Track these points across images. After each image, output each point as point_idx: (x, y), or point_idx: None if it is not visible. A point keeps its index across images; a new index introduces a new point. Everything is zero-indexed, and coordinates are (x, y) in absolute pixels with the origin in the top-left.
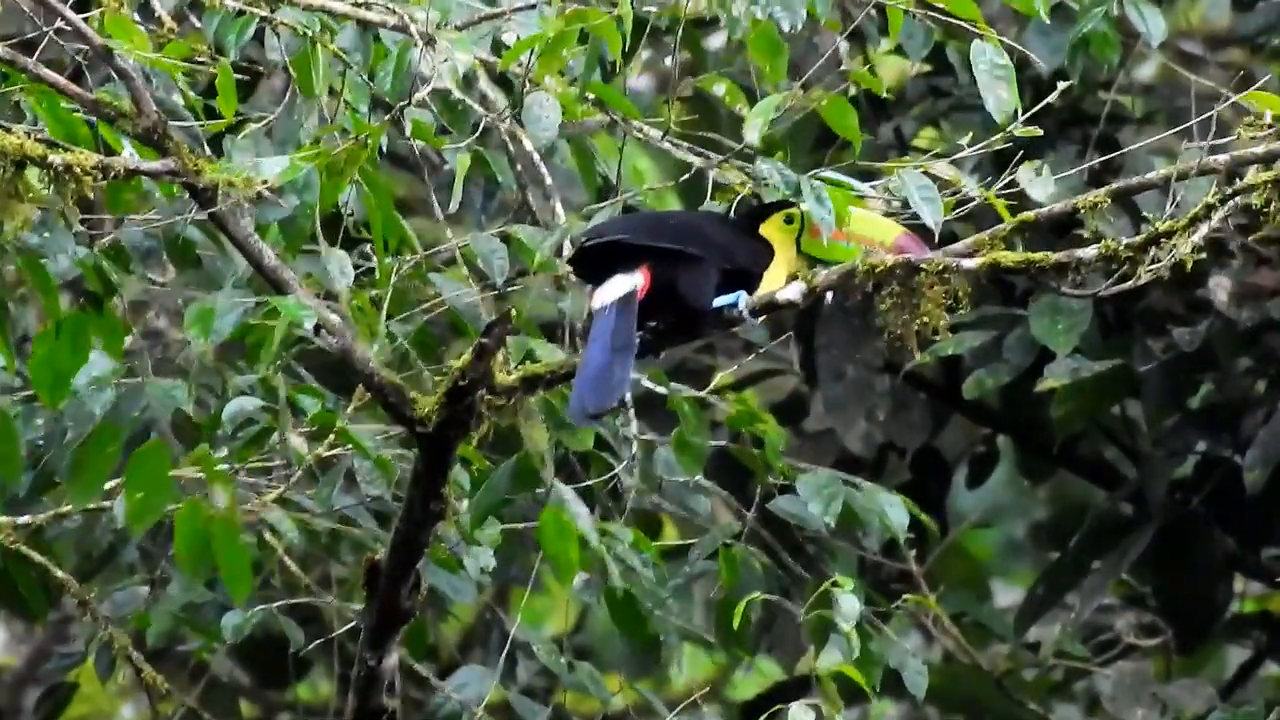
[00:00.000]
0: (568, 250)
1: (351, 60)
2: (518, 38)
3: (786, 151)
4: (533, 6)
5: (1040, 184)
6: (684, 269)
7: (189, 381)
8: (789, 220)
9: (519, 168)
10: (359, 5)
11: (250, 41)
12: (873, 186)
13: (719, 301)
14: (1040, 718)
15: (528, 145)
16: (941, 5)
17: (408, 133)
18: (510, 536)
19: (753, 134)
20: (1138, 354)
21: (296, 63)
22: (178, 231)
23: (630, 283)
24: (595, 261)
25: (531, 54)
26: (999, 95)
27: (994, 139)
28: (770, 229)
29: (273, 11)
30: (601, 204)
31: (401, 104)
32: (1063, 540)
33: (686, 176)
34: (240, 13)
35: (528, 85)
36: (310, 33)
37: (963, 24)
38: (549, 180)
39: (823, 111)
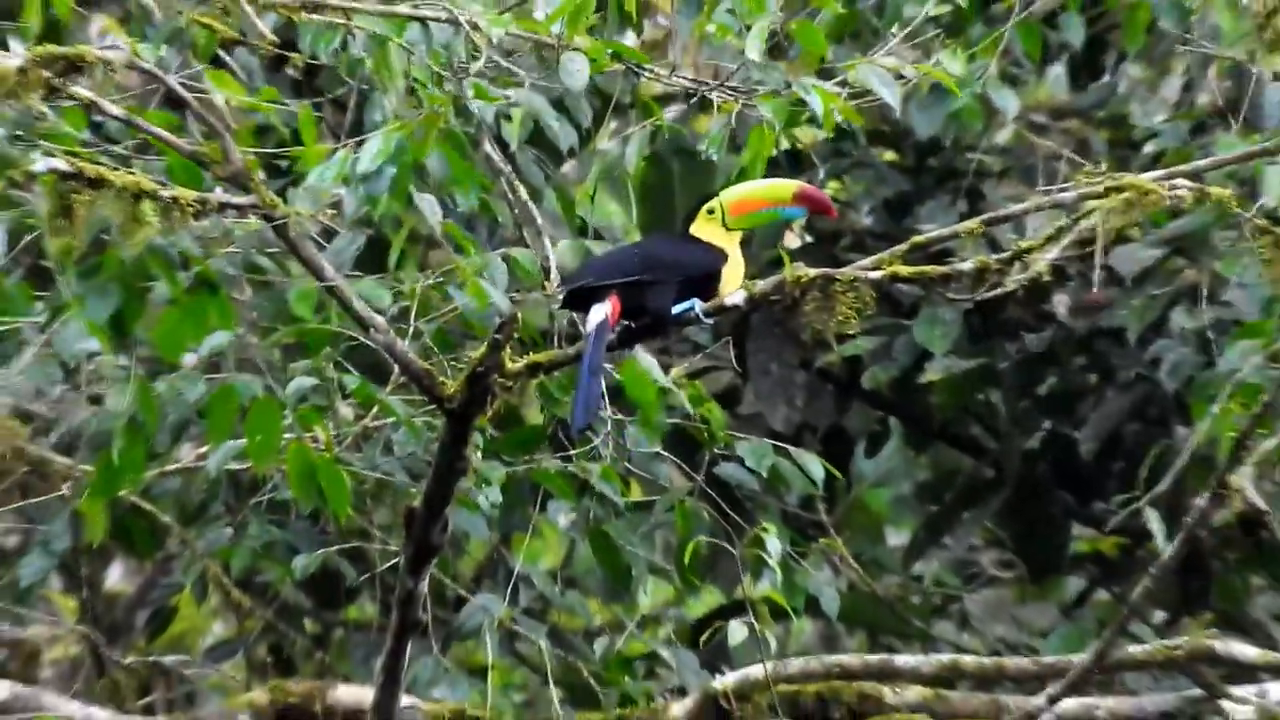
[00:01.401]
0: (555, 284)
1: (416, 50)
2: (545, 14)
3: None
4: None
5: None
6: (645, 291)
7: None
8: (710, 212)
9: (516, 211)
10: (416, 6)
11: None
12: (836, 82)
13: (678, 309)
14: (924, 633)
15: (523, 194)
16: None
17: (469, 99)
18: (514, 495)
19: (754, 51)
20: (998, 354)
21: (375, 60)
22: (252, 258)
23: (603, 312)
24: (577, 299)
25: (563, 21)
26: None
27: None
28: (701, 228)
29: (349, 20)
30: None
31: (464, 71)
32: (940, 496)
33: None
34: (329, 24)
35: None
36: (381, 34)
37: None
38: (539, 220)
39: (794, 32)
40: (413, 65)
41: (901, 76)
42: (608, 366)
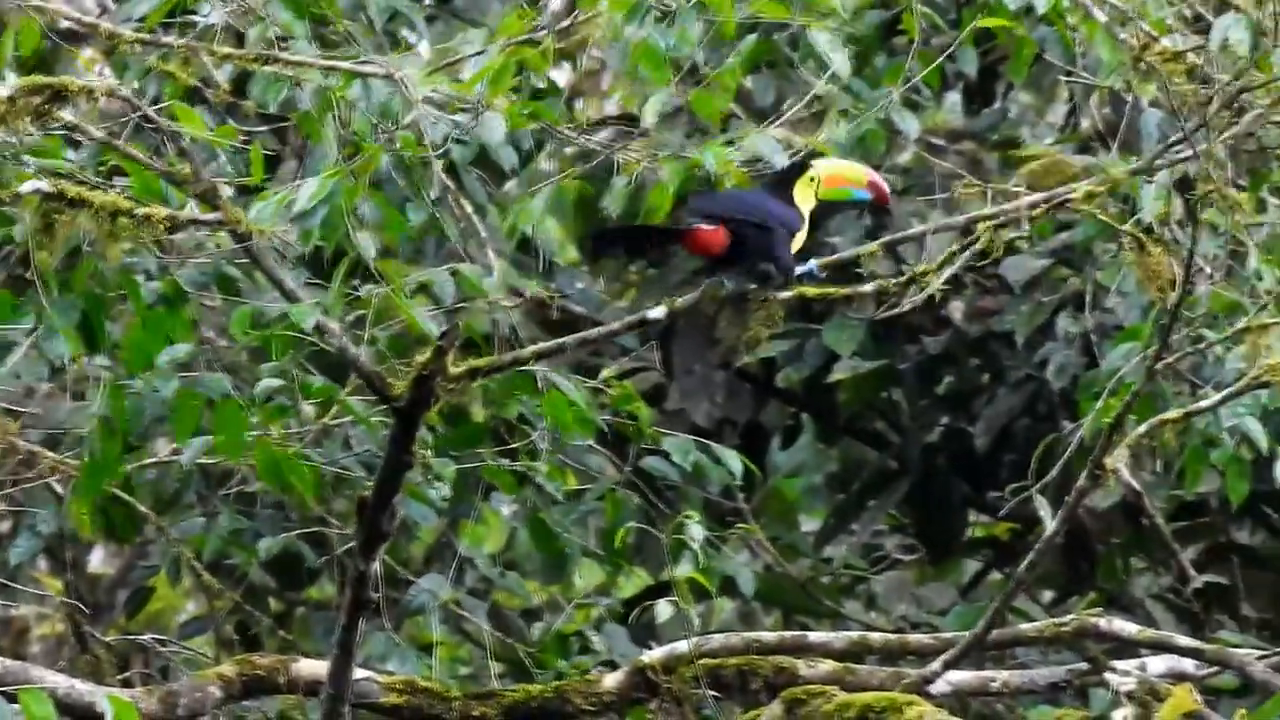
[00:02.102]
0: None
1: (357, 104)
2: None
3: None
4: (481, 53)
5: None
6: (765, 237)
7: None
8: (811, 180)
9: (462, 225)
10: (360, 63)
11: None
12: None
13: (801, 268)
14: (834, 611)
15: (469, 209)
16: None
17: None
18: (461, 484)
19: (650, 117)
20: (899, 356)
21: (318, 110)
22: (221, 269)
23: None
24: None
25: (484, 83)
26: (839, 60)
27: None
28: (800, 191)
29: (298, 72)
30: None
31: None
32: (847, 486)
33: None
34: (277, 77)
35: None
36: (324, 86)
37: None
38: (484, 234)
39: (692, 102)
40: (352, 117)
41: (790, 146)
42: None
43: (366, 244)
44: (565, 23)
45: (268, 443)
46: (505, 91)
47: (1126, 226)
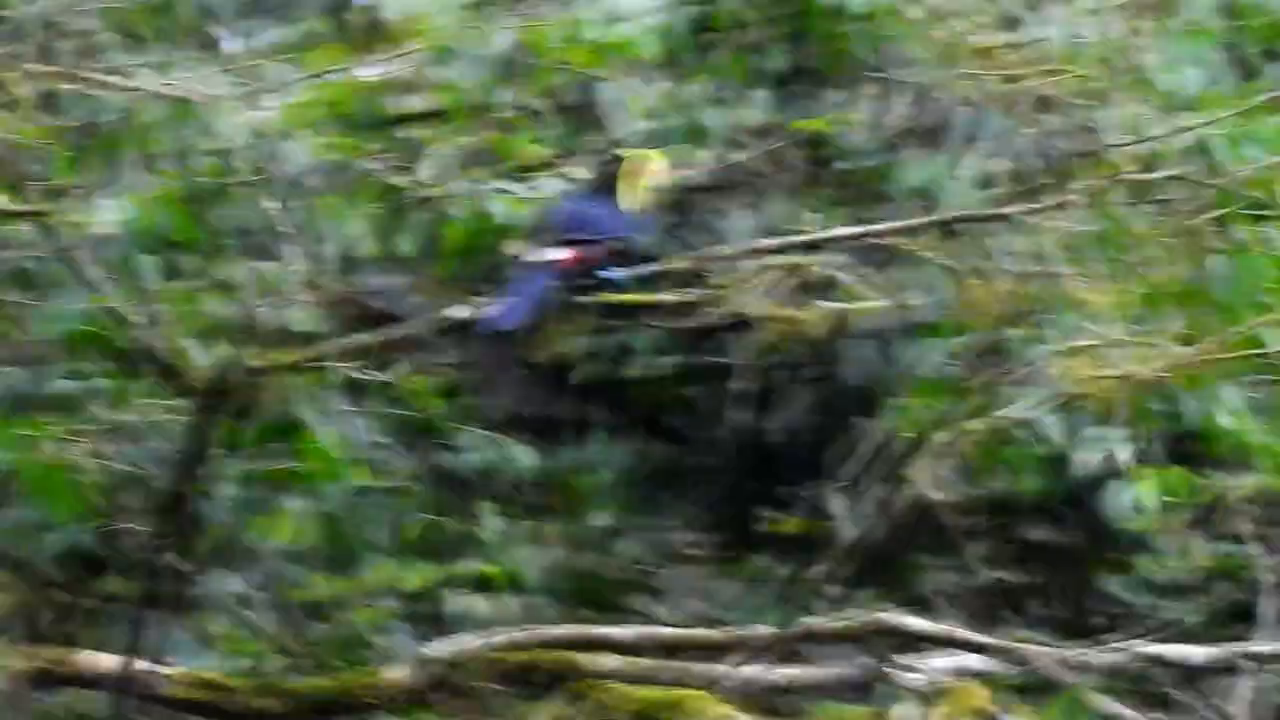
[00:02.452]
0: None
1: (162, 126)
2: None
3: None
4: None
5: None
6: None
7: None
8: (629, 175)
9: (265, 221)
10: (166, 85)
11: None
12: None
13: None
14: (622, 604)
15: (272, 205)
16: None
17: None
18: (251, 480)
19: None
20: (694, 354)
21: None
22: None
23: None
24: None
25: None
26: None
27: None
28: (622, 188)
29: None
30: None
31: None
32: (639, 481)
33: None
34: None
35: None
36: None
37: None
38: (287, 230)
39: (493, 144)
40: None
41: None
42: None
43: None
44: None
45: (30, 458)
46: (311, 123)
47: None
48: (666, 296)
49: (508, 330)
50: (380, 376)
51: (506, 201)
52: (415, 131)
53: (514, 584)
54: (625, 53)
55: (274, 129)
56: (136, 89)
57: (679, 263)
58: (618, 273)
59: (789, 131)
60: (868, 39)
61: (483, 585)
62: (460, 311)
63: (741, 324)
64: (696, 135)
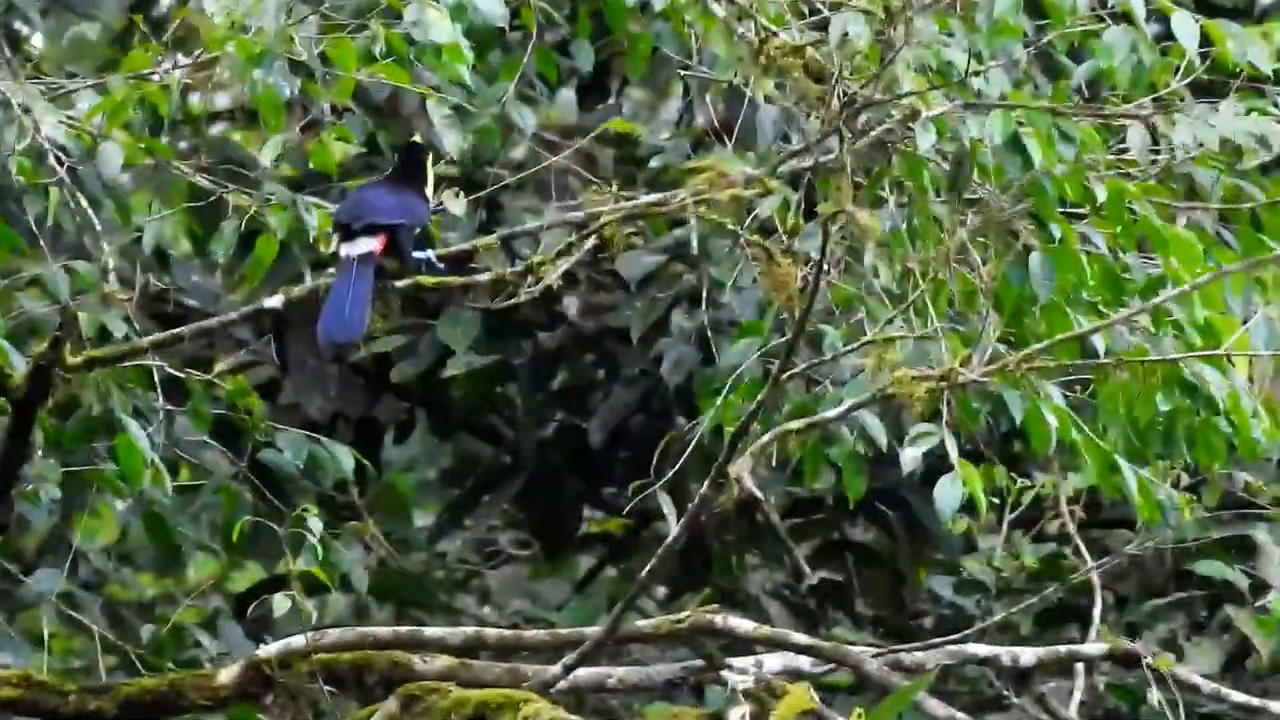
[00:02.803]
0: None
1: None
2: (89, 105)
3: None
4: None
5: (457, 203)
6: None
7: None
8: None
9: (79, 220)
10: None
11: None
12: None
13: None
14: (448, 606)
15: (84, 203)
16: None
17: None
18: (75, 478)
19: (266, 159)
20: (514, 351)
21: None
22: None
23: (371, 245)
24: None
25: (103, 116)
26: (452, 138)
27: None
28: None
29: None
30: None
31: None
32: (462, 481)
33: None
34: None
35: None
36: None
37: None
38: (99, 227)
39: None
40: None
41: None
42: None
43: None
44: (188, 62)
45: None
46: (122, 124)
47: (745, 233)
48: (482, 277)
49: (349, 343)
50: (199, 375)
51: (321, 217)
52: (226, 131)
53: (340, 585)
54: (442, 70)
55: (85, 127)
56: None
57: (486, 242)
58: (429, 253)
59: (598, 131)
60: (674, 38)
61: (310, 587)
62: (273, 301)
63: (560, 320)
64: (506, 133)
